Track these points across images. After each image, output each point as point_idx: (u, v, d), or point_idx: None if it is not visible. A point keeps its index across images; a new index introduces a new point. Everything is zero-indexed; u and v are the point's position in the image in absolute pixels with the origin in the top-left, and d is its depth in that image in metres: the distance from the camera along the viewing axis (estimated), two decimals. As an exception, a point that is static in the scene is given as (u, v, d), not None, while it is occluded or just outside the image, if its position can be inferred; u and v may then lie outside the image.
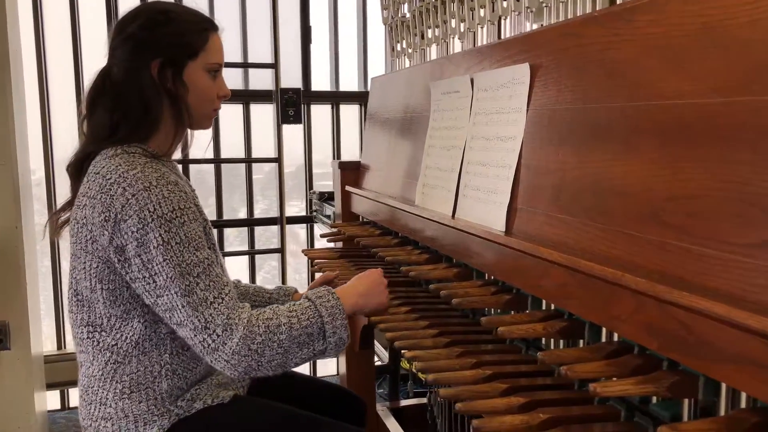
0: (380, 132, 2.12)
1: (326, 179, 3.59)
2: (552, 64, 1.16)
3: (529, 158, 1.19)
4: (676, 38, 0.87)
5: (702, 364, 0.74)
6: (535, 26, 1.43)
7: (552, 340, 1.12)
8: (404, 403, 2.65)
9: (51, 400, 3.28)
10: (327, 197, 2.95)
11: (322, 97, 3.51)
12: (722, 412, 0.78)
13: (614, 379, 0.86)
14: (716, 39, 0.81)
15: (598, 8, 1.17)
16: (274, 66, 2.84)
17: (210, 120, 1.39)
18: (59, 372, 3.10)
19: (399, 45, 2.14)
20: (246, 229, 3.42)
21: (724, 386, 0.78)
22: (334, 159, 3.61)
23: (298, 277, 3.65)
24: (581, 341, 1.04)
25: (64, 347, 3.30)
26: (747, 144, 0.74)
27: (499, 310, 1.26)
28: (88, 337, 1.29)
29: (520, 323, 1.02)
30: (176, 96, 1.30)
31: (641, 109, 0.92)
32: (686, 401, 0.83)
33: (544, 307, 1.14)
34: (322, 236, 2.30)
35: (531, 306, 1.17)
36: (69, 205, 1.36)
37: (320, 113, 3.57)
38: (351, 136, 3.73)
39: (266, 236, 3.56)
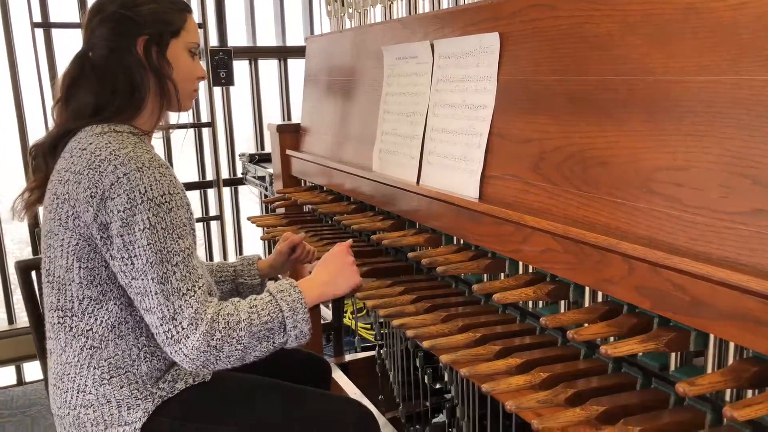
0: (324, 95, 2.09)
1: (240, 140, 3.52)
2: (524, 35, 1.19)
3: (503, 127, 1.23)
4: (661, 16, 0.92)
5: (699, 322, 0.82)
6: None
7: (531, 302, 1.19)
8: (349, 358, 2.72)
9: (6, 376, 3.26)
10: (258, 159, 2.90)
11: (239, 53, 3.40)
12: (710, 361, 0.87)
13: (612, 339, 0.93)
14: (703, 19, 0.86)
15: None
16: (202, 26, 2.70)
17: (191, 100, 1.38)
18: (11, 348, 3.07)
19: (337, 3, 2.10)
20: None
21: (712, 338, 0.87)
22: (254, 118, 3.53)
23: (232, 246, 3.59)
24: (564, 302, 1.11)
25: (15, 322, 3.23)
26: (735, 120, 0.81)
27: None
28: (58, 323, 1.25)
29: (511, 289, 1.08)
30: (162, 74, 1.28)
31: (626, 83, 0.97)
32: (674, 354, 0.92)
33: (521, 270, 1.20)
34: (266, 202, 2.26)
35: (509, 269, 1.23)
36: (38, 185, 1.31)
37: (237, 70, 3.46)
38: (272, 94, 3.65)
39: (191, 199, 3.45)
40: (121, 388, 1.25)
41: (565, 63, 1.09)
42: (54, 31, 2.78)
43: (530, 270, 1.17)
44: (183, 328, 1.15)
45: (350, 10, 2.00)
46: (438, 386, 2.08)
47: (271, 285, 1.30)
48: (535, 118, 1.15)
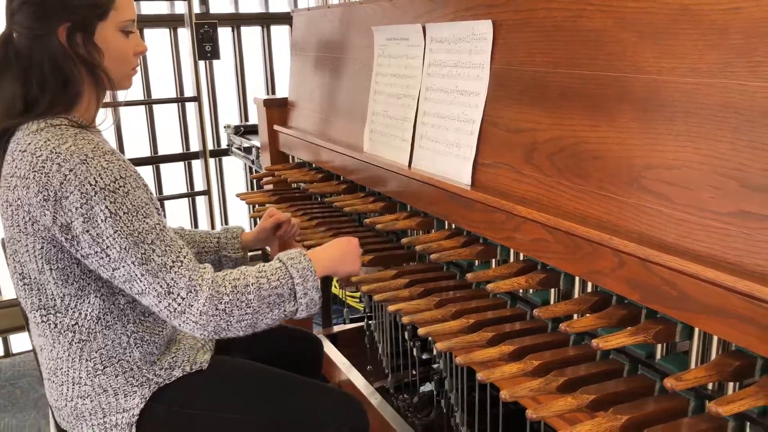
0: (312, 70, 2.08)
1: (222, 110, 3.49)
2: (517, 25, 1.19)
3: (495, 115, 1.25)
4: (654, 15, 0.93)
5: (685, 315, 0.86)
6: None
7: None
8: (337, 329, 2.77)
9: None
10: (243, 131, 2.88)
11: (221, 20, 3.34)
12: (694, 352, 0.91)
13: (599, 330, 0.97)
14: (696, 21, 0.88)
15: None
16: (187, -2, 2.65)
17: (130, 79, 1.30)
18: None
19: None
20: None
21: (697, 331, 0.91)
22: (238, 88, 3.49)
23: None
24: (554, 289, 1.15)
25: (0, 295, 3.25)
26: (725, 123, 0.84)
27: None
28: (43, 321, 1.24)
29: (503, 278, 1.11)
30: (91, 62, 1.20)
31: (619, 79, 0.99)
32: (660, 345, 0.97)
33: (512, 256, 1.23)
34: (255, 178, 2.27)
35: (500, 255, 1.26)
36: None
37: (220, 39, 3.41)
38: (254, 62, 3.60)
39: (174, 177, 3.42)
40: (116, 376, 1.26)
41: (558, 55, 1.10)
42: None
43: (521, 257, 1.21)
44: (183, 298, 1.15)
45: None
46: (426, 357, 2.14)
47: (281, 253, 1.29)
48: (528, 109, 1.17)
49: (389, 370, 2.23)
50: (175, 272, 1.15)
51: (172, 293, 1.15)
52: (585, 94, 1.05)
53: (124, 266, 1.14)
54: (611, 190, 1.00)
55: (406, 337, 2.08)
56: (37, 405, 2.85)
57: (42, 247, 1.16)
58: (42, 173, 1.12)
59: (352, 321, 2.78)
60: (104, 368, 1.25)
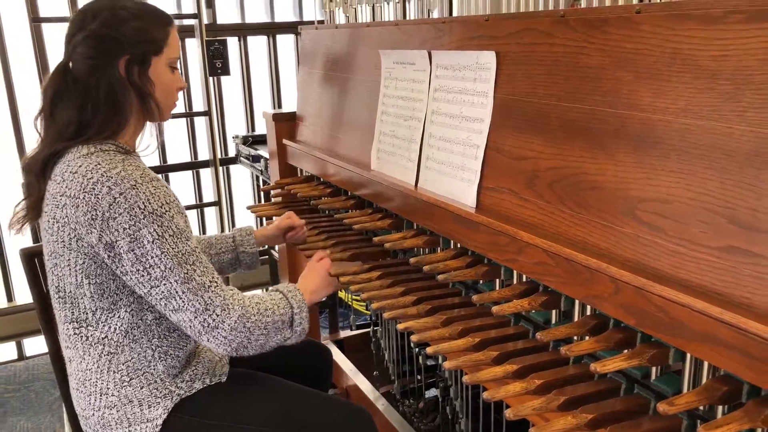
0: (319, 88, 2.14)
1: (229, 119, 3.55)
2: (519, 57, 1.25)
3: (499, 142, 1.31)
4: (649, 57, 0.99)
5: (678, 341, 0.92)
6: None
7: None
8: (344, 334, 2.83)
9: (8, 351, 3.40)
10: (252, 141, 2.94)
11: (227, 30, 3.40)
12: (686, 376, 0.97)
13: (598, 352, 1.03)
14: (687, 65, 0.94)
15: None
16: (198, 16, 2.70)
17: (171, 111, 1.42)
18: (10, 325, 3.20)
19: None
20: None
21: (689, 355, 0.97)
22: (245, 98, 3.55)
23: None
24: (555, 311, 1.21)
25: (14, 300, 3.34)
26: (714, 163, 0.90)
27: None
28: (75, 334, 1.32)
29: (507, 300, 1.17)
30: (144, 92, 1.31)
31: (616, 115, 1.05)
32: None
33: (516, 278, 1.29)
34: (264, 190, 2.33)
35: (504, 275, 1.32)
36: (33, 205, 1.34)
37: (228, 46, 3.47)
38: (259, 71, 3.65)
39: (183, 187, 3.49)
40: (141, 388, 1.34)
41: (559, 89, 1.16)
42: (44, 26, 2.77)
43: (524, 279, 1.27)
44: (218, 315, 1.25)
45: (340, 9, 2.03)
46: (431, 363, 2.20)
47: (281, 286, 1.41)
48: (530, 138, 1.23)
49: (395, 376, 2.30)
50: (213, 291, 1.25)
51: (209, 310, 1.25)
52: (584, 128, 1.11)
53: (165, 284, 1.23)
54: (609, 220, 1.06)
55: (412, 344, 2.15)
56: (52, 408, 2.92)
57: (84, 263, 1.26)
58: (92, 194, 1.21)
59: (359, 327, 2.84)
60: (130, 380, 1.33)
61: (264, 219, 2.34)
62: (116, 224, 1.20)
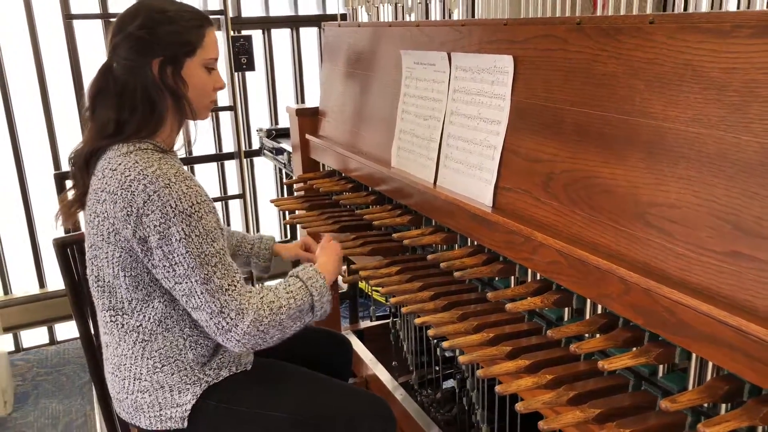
0: (342, 84, 2.18)
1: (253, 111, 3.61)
2: (536, 62, 1.29)
3: (515, 144, 1.35)
4: (661, 67, 1.03)
5: (683, 341, 0.96)
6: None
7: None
8: (364, 325, 2.90)
9: (40, 336, 3.52)
10: (275, 134, 3.00)
11: (251, 23, 3.46)
12: (692, 374, 1.01)
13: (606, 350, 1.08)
14: (697, 76, 0.97)
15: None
16: (224, 12, 2.76)
17: (208, 111, 1.47)
18: (42, 310, 3.30)
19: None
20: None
21: (694, 354, 1.01)
22: (268, 92, 3.61)
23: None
24: (567, 308, 1.25)
25: (46, 286, 3.44)
26: (721, 171, 0.93)
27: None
28: (111, 321, 1.40)
29: (520, 297, 1.22)
30: (177, 92, 1.36)
31: (628, 122, 1.08)
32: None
33: (530, 275, 1.33)
34: (288, 183, 2.39)
35: (519, 272, 1.36)
36: (79, 195, 1.42)
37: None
38: (284, 63, 3.71)
39: (207, 178, 3.57)
40: (172, 374, 1.41)
41: (574, 94, 1.20)
42: (75, 23, 2.85)
43: (538, 277, 1.31)
44: (231, 319, 1.30)
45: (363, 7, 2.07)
46: (449, 354, 2.25)
47: (300, 272, 1.46)
48: (545, 141, 1.26)
49: (413, 367, 2.36)
50: (229, 295, 1.29)
51: (224, 313, 1.29)
52: (598, 133, 1.15)
53: (186, 282, 1.28)
54: (620, 223, 1.10)
55: (430, 336, 2.21)
56: (82, 391, 3.03)
57: (120, 256, 1.32)
58: (129, 191, 1.27)
59: (378, 318, 2.90)
60: (162, 366, 1.40)
61: (287, 212, 2.40)
62: (149, 220, 1.26)
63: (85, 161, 1.37)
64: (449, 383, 2.39)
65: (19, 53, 3.04)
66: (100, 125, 1.36)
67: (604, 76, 1.13)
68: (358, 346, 2.64)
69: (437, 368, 2.29)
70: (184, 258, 1.27)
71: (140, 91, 1.33)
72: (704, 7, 1.19)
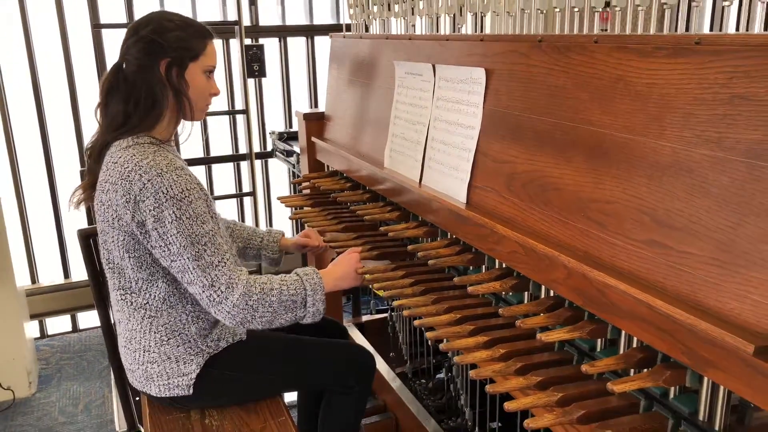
0: (345, 91, 2.36)
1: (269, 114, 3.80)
2: (503, 74, 1.45)
3: (485, 147, 1.51)
4: (600, 80, 1.18)
5: (611, 318, 1.11)
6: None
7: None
8: (365, 318, 3.06)
9: (63, 323, 3.74)
10: (287, 137, 3.19)
11: (268, 32, 3.65)
12: (622, 347, 1.16)
13: (576, 340, 1.23)
14: (627, 89, 1.12)
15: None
16: (238, 23, 2.96)
17: (203, 113, 1.64)
18: (66, 299, 3.53)
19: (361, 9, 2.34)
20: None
21: (623, 332, 1.15)
22: (284, 97, 3.80)
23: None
24: (526, 293, 1.40)
25: (70, 277, 3.65)
26: (644, 171, 1.08)
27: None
28: (121, 299, 1.58)
29: (483, 282, 1.37)
30: (179, 91, 1.54)
31: (574, 128, 1.24)
32: (599, 339, 1.22)
33: (497, 264, 1.49)
34: (295, 183, 2.57)
35: (487, 263, 1.52)
36: (90, 183, 1.60)
37: (266, 48, 3.72)
38: (299, 69, 3.90)
39: (225, 177, 3.78)
40: (178, 347, 1.59)
41: (533, 103, 1.36)
42: (103, 32, 3.07)
43: (503, 266, 1.46)
44: (222, 292, 1.46)
45: (370, 17, 2.25)
46: (441, 346, 2.40)
47: (299, 269, 1.62)
48: (510, 144, 1.42)
49: (408, 358, 2.51)
50: (219, 270, 1.46)
51: (214, 286, 1.45)
52: (551, 138, 1.30)
53: (180, 260, 1.45)
54: (566, 216, 1.25)
55: (423, 328, 2.36)
56: (102, 375, 3.24)
57: (124, 239, 1.49)
58: (127, 181, 1.44)
59: (378, 312, 3.06)
60: (168, 339, 1.58)
61: (294, 208, 2.58)
62: (144, 206, 1.43)
63: (98, 153, 1.55)
64: (442, 374, 2.54)
65: (51, 59, 3.27)
66: (110, 118, 1.54)
67: (557, 88, 1.29)
68: (358, 337, 2.80)
69: (430, 359, 2.44)
70: (176, 238, 1.43)
71: (146, 87, 1.51)
72: (706, 26, 1.27)
